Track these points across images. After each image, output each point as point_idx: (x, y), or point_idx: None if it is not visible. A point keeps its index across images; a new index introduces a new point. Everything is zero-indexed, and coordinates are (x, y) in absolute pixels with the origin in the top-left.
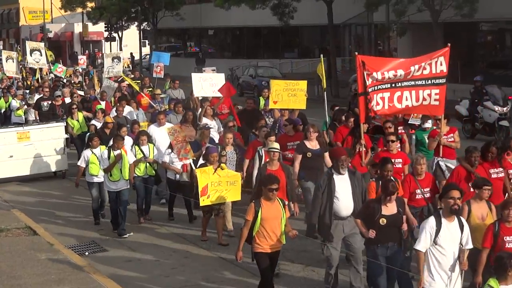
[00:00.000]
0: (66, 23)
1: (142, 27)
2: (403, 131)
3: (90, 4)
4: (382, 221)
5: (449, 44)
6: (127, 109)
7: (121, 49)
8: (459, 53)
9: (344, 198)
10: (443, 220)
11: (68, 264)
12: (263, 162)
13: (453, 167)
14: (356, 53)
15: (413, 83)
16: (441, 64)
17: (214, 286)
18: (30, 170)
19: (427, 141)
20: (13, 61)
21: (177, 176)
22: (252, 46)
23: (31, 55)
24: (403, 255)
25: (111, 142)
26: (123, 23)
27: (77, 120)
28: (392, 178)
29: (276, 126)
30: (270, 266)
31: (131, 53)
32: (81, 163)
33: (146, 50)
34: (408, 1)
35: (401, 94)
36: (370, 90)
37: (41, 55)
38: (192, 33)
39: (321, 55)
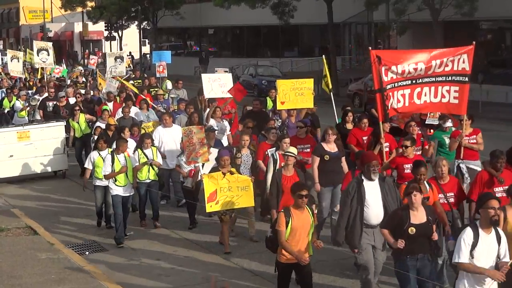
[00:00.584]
0: (66, 23)
1: (142, 26)
2: (419, 132)
3: (90, 4)
4: (411, 230)
5: (474, 43)
6: (133, 110)
7: (121, 49)
8: None
9: (374, 206)
10: (480, 231)
11: (68, 263)
12: (277, 166)
13: (476, 168)
14: (370, 48)
15: (433, 79)
16: (463, 62)
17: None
18: (30, 169)
19: (447, 142)
20: (18, 61)
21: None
22: (252, 45)
23: (38, 55)
24: (434, 266)
25: (114, 146)
26: (123, 22)
27: (78, 122)
28: (426, 183)
29: (284, 127)
30: (289, 279)
31: (130, 52)
32: (88, 165)
33: (146, 49)
34: (408, 0)
35: (421, 90)
36: (389, 86)
37: (48, 55)
38: (192, 32)
39: (323, 56)
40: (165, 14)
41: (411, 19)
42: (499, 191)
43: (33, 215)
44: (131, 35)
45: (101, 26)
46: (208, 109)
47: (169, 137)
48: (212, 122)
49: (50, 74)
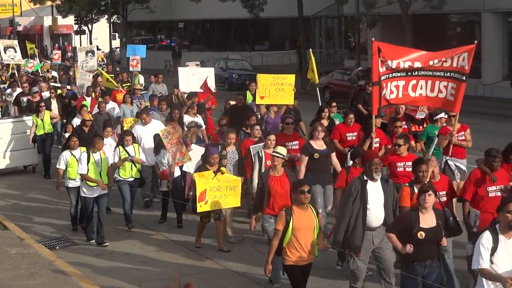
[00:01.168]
0: (35, 17)
1: (112, 20)
2: (405, 127)
3: None
4: (421, 234)
5: (475, 42)
6: (110, 105)
7: (91, 43)
8: (428, 44)
9: (375, 208)
10: (500, 236)
11: (38, 258)
12: (263, 164)
13: (462, 167)
14: (373, 39)
15: (430, 73)
16: (463, 60)
17: (186, 278)
18: (0, 164)
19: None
20: None
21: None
22: (223, 38)
23: (5, 53)
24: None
25: (108, 142)
26: (93, 16)
27: (42, 120)
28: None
29: (263, 123)
30: (302, 279)
31: (97, 46)
32: (60, 165)
33: (116, 43)
34: None
35: (416, 82)
36: (383, 78)
37: (15, 52)
38: (162, 26)
39: (310, 49)
40: (135, 8)
41: (381, 12)
42: (492, 190)
43: (2, 210)
44: (101, 29)
45: (70, 20)
46: (185, 106)
47: (148, 134)
48: (186, 118)
49: (24, 68)
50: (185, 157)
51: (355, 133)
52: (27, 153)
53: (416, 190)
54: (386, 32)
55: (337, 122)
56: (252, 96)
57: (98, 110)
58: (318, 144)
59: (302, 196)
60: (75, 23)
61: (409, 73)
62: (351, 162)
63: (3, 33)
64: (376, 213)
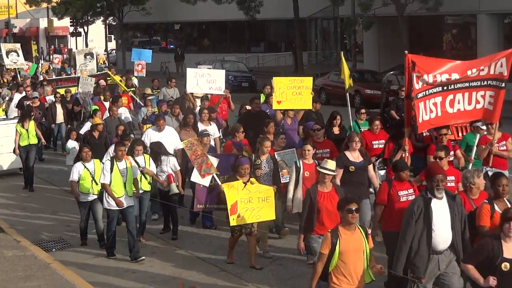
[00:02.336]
0: (31, 18)
1: (108, 22)
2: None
3: None
4: (505, 266)
5: None
6: (120, 110)
7: (87, 45)
8: (424, 46)
9: (441, 228)
10: None
11: (35, 260)
12: (301, 175)
13: None
14: (406, 52)
15: (467, 84)
16: (501, 66)
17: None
18: None
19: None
20: None
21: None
22: (218, 40)
23: (7, 57)
24: None
25: (111, 150)
26: (89, 18)
27: (27, 130)
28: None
29: (279, 129)
30: None
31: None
32: (74, 177)
33: (112, 45)
34: None
35: (453, 97)
36: (420, 95)
37: (18, 56)
38: (158, 28)
39: (341, 52)
40: (130, 10)
41: (376, 14)
42: None
43: None
44: (97, 31)
45: (66, 22)
46: (198, 108)
47: (163, 141)
48: (200, 126)
49: (19, 72)
50: (212, 168)
51: (382, 141)
52: None
53: (497, 208)
54: (381, 34)
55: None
56: (265, 98)
57: (108, 115)
58: (354, 156)
59: (349, 216)
60: (70, 25)
61: (446, 87)
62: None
63: None
64: (442, 234)
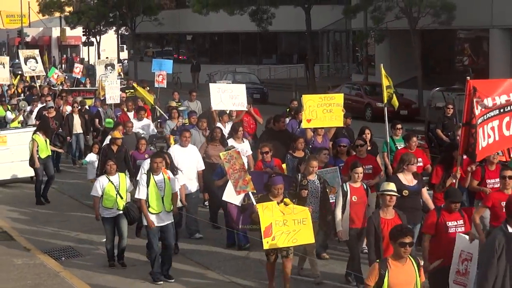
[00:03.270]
0: (44, 27)
1: (120, 32)
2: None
3: (68, 9)
4: None
5: None
6: (144, 122)
7: (99, 54)
8: (436, 60)
9: None
10: None
11: (44, 269)
12: (348, 200)
13: None
14: (468, 78)
15: None
16: None
17: None
18: (7, 174)
19: None
20: (4, 67)
21: None
22: (230, 51)
23: (26, 64)
24: None
25: (145, 164)
26: (101, 27)
27: (45, 140)
28: None
29: (309, 147)
30: None
31: (107, 58)
32: (97, 192)
33: (124, 55)
34: (386, 8)
35: (509, 119)
36: (480, 120)
37: (36, 63)
38: (170, 38)
39: (381, 65)
40: (143, 20)
41: (389, 27)
42: None
43: (9, 220)
44: (109, 40)
45: (79, 31)
46: (218, 123)
47: (186, 158)
48: (231, 142)
49: (48, 78)
50: (248, 186)
51: (419, 159)
52: None
53: None
54: (393, 47)
55: (401, 146)
56: (292, 113)
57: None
58: (408, 179)
59: (402, 250)
60: (83, 35)
61: (502, 110)
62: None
63: (12, 43)
64: None
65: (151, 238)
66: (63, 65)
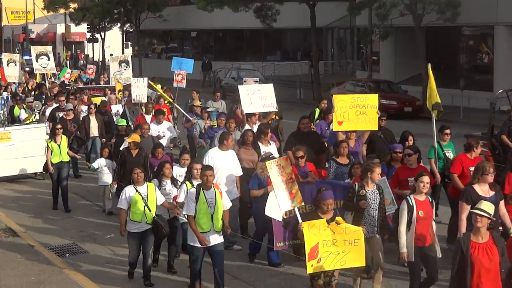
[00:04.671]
0: (48, 24)
1: (124, 29)
2: None
3: (72, 5)
4: None
5: None
6: (164, 125)
7: (103, 51)
8: (441, 57)
9: None
10: None
11: (48, 265)
12: (414, 217)
13: None
14: None
15: None
16: None
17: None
18: (11, 171)
19: None
20: (15, 65)
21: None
22: (235, 48)
23: (37, 61)
24: None
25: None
26: (106, 24)
27: (59, 145)
28: None
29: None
30: None
31: (111, 54)
32: (122, 204)
33: (128, 51)
34: (390, 5)
35: None
36: None
37: (48, 60)
38: (174, 35)
39: (429, 64)
40: (148, 17)
41: (393, 24)
42: None
43: (13, 217)
44: (114, 37)
45: (83, 28)
46: (246, 127)
47: (226, 161)
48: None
49: (59, 78)
50: (295, 200)
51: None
52: (37, 160)
53: None
54: (398, 44)
55: (449, 153)
56: (320, 113)
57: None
58: (484, 190)
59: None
60: (88, 31)
61: None
62: None
63: (16, 40)
64: None
65: (196, 258)
66: (68, 62)
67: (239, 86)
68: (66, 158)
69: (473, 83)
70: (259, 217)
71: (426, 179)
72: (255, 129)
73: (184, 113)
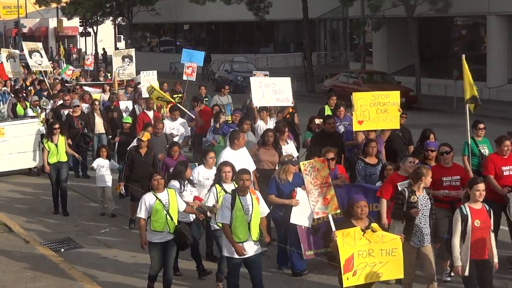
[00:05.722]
0: (40, 18)
1: (117, 22)
2: None
3: None
4: None
5: None
6: (178, 121)
7: (96, 45)
8: (433, 47)
9: None
10: None
11: (43, 261)
12: (469, 227)
13: None
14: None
15: None
16: None
17: (187, 284)
18: (5, 166)
19: None
20: (15, 61)
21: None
22: (228, 41)
23: (31, 57)
24: None
25: (196, 173)
26: (98, 18)
27: (56, 145)
28: None
29: (360, 153)
30: None
31: (103, 49)
32: (142, 213)
33: (121, 45)
34: None
35: None
36: None
37: (41, 56)
38: (167, 28)
39: (463, 55)
40: (140, 10)
41: (386, 15)
42: None
43: (8, 212)
44: (106, 31)
45: (75, 22)
46: (258, 122)
47: (239, 162)
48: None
49: (60, 75)
50: (329, 207)
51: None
52: (32, 155)
53: None
54: (391, 35)
55: (484, 149)
56: (331, 111)
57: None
58: None
59: None
60: (80, 25)
61: None
62: None
63: (8, 34)
64: None
65: (234, 270)
66: (63, 58)
67: (251, 78)
68: (64, 158)
69: None
70: (280, 223)
71: (481, 186)
72: (268, 125)
73: (188, 112)
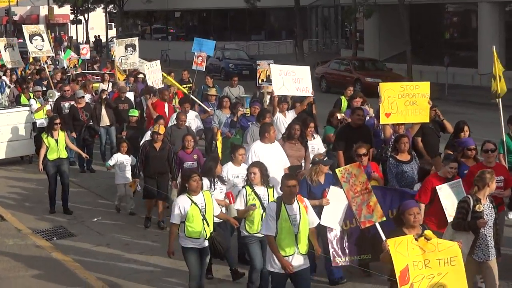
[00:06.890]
0: (31, 6)
1: (108, 10)
2: None
3: None
4: None
5: None
6: (190, 115)
7: (87, 32)
8: (425, 34)
9: None
10: None
11: (36, 250)
12: None
13: None
14: None
15: None
16: None
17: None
18: None
19: None
20: (13, 49)
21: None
22: (219, 28)
23: (31, 42)
24: None
25: (227, 172)
26: (89, 5)
27: (56, 140)
28: None
29: (388, 148)
30: None
31: (95, 36)
32: (175, 219)
33: (112, 32)
34: None
35: None
36: None
37: (43, 41)
38: (158, 16)
39: (493, 47)
40: None
41: (377, 2)
42: None
43: (0, 201)
44: (97, 18)
45: (67, 9)
46: (277, 115)
47: (272, 157)
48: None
49: (58, 63)
50: (375, 215)
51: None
52: (23, 144)
53: None
54: (382, 22)
55: None
56: (347, 102)
57: (175, 122)
58: None
59: None
60: (71, 13)
61: None
62: None
63: None
64: None
65: (280, 286)
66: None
67: (271, 65)
68: (65, 155)
69: (457, 60)
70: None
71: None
72: (289, 118)
73: (201, 103)
